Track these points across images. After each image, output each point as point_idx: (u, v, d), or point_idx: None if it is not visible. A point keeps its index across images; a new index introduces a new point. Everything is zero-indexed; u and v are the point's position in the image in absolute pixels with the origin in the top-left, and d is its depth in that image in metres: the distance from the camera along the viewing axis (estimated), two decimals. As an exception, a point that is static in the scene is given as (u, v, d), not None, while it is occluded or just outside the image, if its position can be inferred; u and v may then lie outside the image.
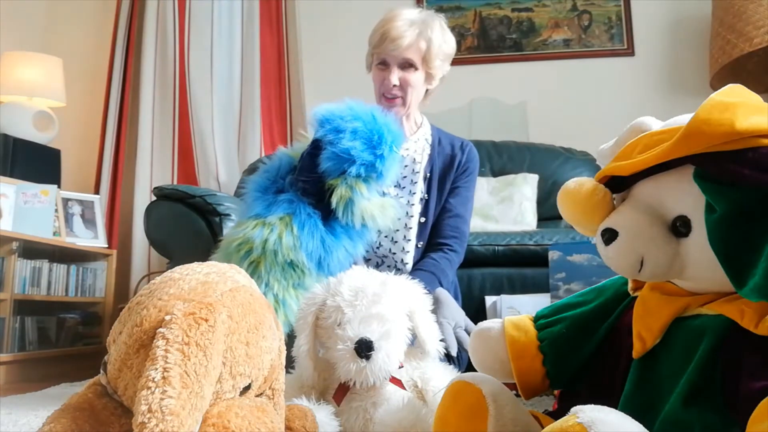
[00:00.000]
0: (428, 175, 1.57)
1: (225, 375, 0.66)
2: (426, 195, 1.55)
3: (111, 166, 3.01)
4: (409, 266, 1.51)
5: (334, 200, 1.33)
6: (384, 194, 1.46)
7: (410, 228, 1.52)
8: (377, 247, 1.51)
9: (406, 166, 1.56)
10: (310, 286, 1.29)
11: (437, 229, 1.54)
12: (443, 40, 1.53)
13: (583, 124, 2.95)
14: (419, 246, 1.53)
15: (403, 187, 1.55)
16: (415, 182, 1.55)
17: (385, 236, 1.51)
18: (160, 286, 0.69)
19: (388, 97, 1.52)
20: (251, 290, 0.74)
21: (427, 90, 1.60)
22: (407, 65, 1.51)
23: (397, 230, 1.51)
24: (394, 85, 1.50)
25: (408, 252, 1.51)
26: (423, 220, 1.54)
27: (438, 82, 1.59)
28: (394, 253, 1.51)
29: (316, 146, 1.38)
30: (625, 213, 0.73)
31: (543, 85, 3.08)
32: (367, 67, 1.62)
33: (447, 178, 1.58)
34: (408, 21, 1.50)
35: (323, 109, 1.40)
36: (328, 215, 1.36)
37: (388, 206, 1.39)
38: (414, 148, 1.59)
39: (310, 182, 1.38)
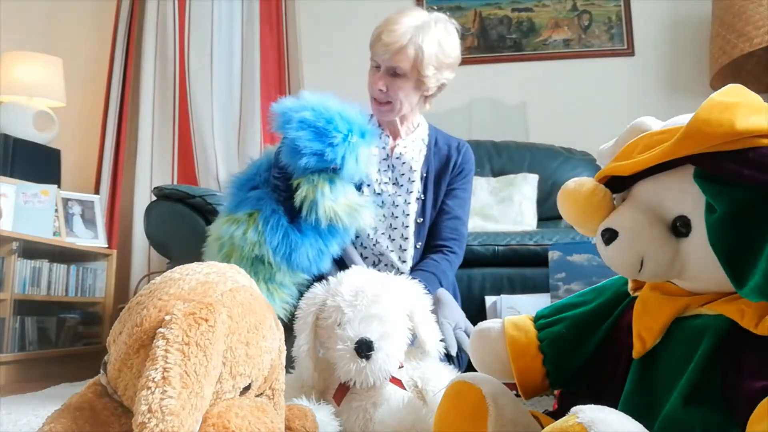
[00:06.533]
0: (425, 175, 1.57)
1: (225, 375, 0.66)
2: (422, 195, 1.55)
3: (111, 166, 3.01)
4: (408, 265, 1.51)
5: (297, 199, 1.35)
6: (360, 189, 1.47)
7: (407, 226, 1.52)
8: (374, 244, 1.51)
9: (404, 163, 1.56)
10: (281, 280, 1.35)
11: (436, 231, 1.54)
12: (439, 48, 1.46)
13: (583, 124, 2.94)
14: (418, 246, 1.53)
15: (401, 185, 1.55)
16: (413, 181, 1.55)
17: (382, 233, 1.51)
18: (160, 286, 0.69)
19: (378, 101, 1.51)
20: (251, 290, 0.74)
21: (426, 96, 1.55)
22: (394, 72, 1.46)
23: (395, 228, 1.51)
24: (380, 90, 1.48)
25: (406, 251, 1.51)
26: (420, 220, 1.54)
27: (436, 89, 1.54)
28: (392, 251, 1.51)
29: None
30: (625, 213, 0.73)
31: (543, 85, 3.08)
32: None
33: (443, 178, 1.57)
34: (406, 26, 1.44)
35: (279, 103, 1.41)
36: (298, 212, 1.38)
37: (356, 207, 1.38)
38: (411, 147, 1.59)
39: (280, 179, 1.41)
